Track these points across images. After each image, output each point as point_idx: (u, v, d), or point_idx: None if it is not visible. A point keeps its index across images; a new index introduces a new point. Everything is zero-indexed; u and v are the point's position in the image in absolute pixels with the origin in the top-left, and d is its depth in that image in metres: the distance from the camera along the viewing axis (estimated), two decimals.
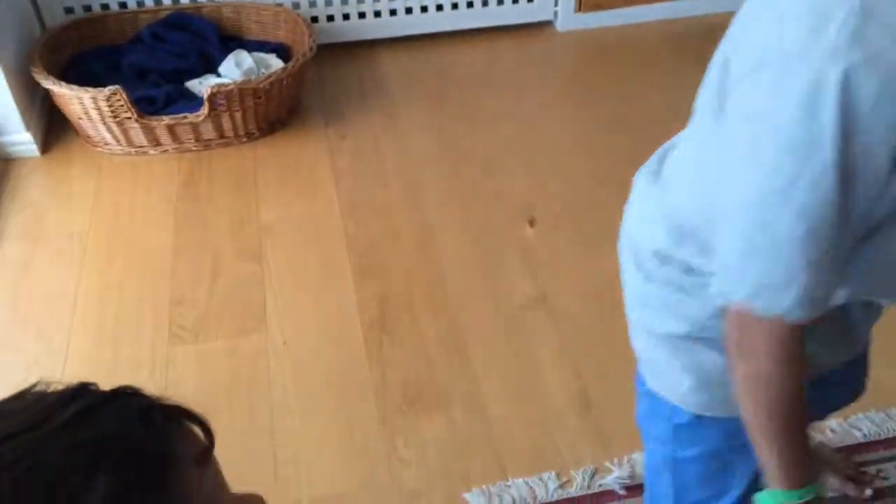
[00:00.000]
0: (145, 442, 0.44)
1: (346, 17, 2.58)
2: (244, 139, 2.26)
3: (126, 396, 0.45)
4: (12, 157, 2.21)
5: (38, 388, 0.45)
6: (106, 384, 1.71)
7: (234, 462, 1.67)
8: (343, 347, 1.69)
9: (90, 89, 2.09)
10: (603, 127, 2.31)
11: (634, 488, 1.37)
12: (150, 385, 1.82)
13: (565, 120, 2.36)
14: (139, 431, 0.44)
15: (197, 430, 0.47)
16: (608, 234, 1.93)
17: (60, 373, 1.65)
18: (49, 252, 1.95)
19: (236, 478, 0.52)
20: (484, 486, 1.39)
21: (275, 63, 2.37)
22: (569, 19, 2.68)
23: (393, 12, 2.60)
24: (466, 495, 1.39)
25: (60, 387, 0.45)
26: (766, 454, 0.77)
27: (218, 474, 0.48)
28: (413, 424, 1.52)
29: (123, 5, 2.48)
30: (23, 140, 2.20)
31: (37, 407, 0.44)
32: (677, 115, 2.33)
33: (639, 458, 1.42)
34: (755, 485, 0.86)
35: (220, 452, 0.53)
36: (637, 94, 2.42)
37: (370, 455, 1.48)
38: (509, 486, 1.39)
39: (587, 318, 1.73)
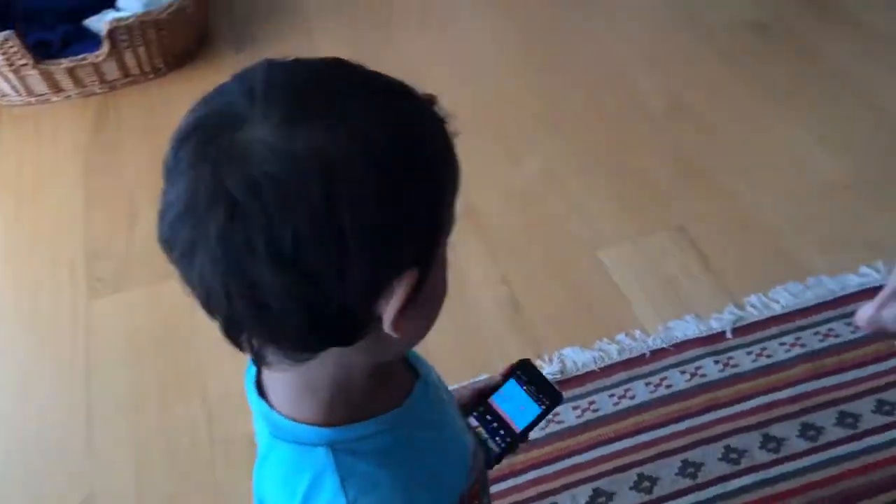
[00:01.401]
0: None
1: None
2: (151, 76, 2.17)
3: None
4: None
5: None
6: (30, 341, 1.63)
7: (166, 406, 1.60)
8: None
9: None
10: (530, 35, 2.24)
11: (564, 382, 1.37)
12: (74, 341, 1.73)
13: (495, 30, 2.27)
14: None
15: None
16: (527, 140, 1.90)
17: None
18: None
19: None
20: None
21: None
22: None
23: None
24: None
25: None
26: None
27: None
28: None
29: None
30: None
31: None
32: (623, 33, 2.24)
33: (568, 352, 1.42)
34: None
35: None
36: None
37: None
38: None
39: (510, 225, 1.70)
